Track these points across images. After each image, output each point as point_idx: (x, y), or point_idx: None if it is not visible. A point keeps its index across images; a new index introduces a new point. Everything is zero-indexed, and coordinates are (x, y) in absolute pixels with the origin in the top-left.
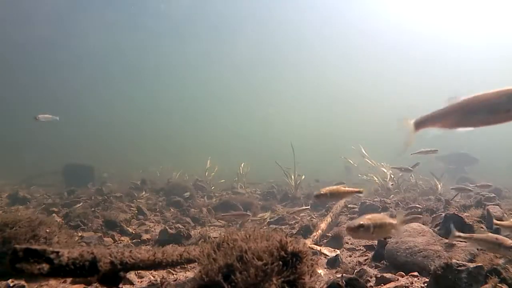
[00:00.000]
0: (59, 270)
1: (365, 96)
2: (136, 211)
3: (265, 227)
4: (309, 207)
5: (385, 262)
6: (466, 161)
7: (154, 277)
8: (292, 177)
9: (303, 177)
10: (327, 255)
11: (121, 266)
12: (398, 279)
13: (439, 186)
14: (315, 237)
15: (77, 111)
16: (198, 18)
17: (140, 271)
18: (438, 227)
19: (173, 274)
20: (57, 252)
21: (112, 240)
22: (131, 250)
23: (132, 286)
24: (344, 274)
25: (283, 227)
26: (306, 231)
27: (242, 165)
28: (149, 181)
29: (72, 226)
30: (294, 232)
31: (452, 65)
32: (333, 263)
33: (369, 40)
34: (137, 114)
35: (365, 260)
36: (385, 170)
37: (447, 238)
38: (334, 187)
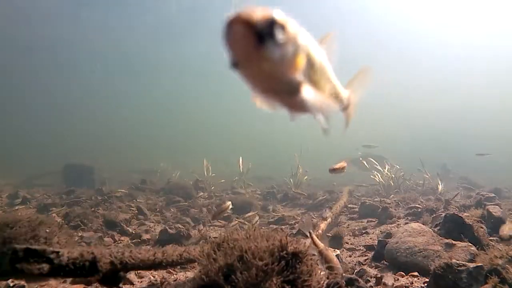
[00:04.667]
0: (59, 270)
1: (363, 96)
2: (136, 211)
3: (265, 227)
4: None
5: (385, 262)
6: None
7: (154, 277)
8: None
9: (305, 177)
10: None
11: (121, 266)
12: (398, 279)
13: (440, 186)
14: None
15: (77, 111)
16: (198, 19)
17: (140, 271)
18: (438, 227)
19: (173, 274)
20: (57, 252)
21: (112, 240)
22: (131, 250)
23: (132, 286)
24: (344, 274)
25: (283, 227)
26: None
27: (241, 160)
28: (149, 181)
29: (72, 226)
30: (294, 232)
31: (453, 65)
32: None
33: (369, 39)
34: (137, 114)
35: (365, 260)
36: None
37: (447, 238)
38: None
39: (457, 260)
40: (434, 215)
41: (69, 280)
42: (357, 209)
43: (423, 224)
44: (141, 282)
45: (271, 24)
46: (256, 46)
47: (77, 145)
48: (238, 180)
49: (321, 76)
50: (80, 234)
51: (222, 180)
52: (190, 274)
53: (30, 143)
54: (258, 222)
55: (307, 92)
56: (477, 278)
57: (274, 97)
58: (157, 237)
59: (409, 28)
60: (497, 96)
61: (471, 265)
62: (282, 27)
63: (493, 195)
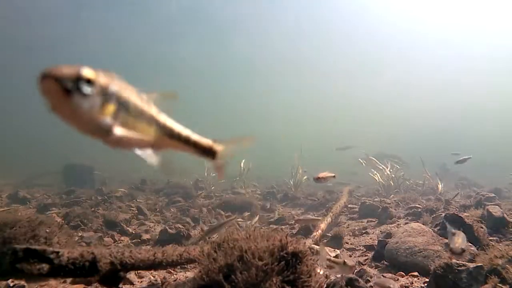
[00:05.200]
0: (59, 270)
1: (365, 97)
2: (136, 211)
3: (265, 227)
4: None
5: (385, 262)
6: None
7: (154, 277)
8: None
9: (305, 177)
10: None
11: (121, 266)
12: (398, 279)
13: (440, 186)
14: (315, 237)
15: None
16: (198, 18)
17: (140, 271)
18: (438, 227)
19: (173, 274)
20: (57, 252)
21: (112, 240)
22: (131, 250)
23: (132, 286)
24: (344, 274)
25: (283, 227)
26: (306, 231)
27: (242, 163)
28: (149, 181)
29: (72, 226)
30: (294, 232)
31: (454, 64)
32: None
33: (369, 39)
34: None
35: (365, 260)
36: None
37: (447, 238)
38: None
39: (457, 260)
40: (434, 215)
41: (69, 280)
42: (357, 209)
43: (423, 224)
44: (141, 282)
45: (78, 79)
46: (63, 97)
47: (77, 145)
48: (238, 180)
49: (138, 118)
50: (80, 234)
51: (222, 180)
52: (190, 274)
53: (30, 143)
54: (255, 222)
55: (118, 132)
56: (477, 278)
57: (92, 135)
58: (157, 237)
59: (409, 28)
60: (498, 96)
61: (471, 265)
62: (90, 82)
63: (493, 195)
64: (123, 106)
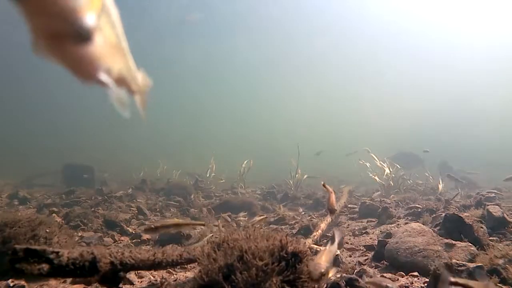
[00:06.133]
0: (59, 270)
1: (366, 97)
2: (136, 211)
3: (265, 227)
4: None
5: (385, 262)
6: (413, 161)
7: (154, 277)
8: (296, 174)
9: (305, 176)
10: None
11: (121, 266)
12: (398, 279)
13: (440, 186)
14: (315, 237)
15: (77, 111)
16: (199, 18)
17: (140, 271)
18: (438, 227)
19: (173, 274)
20: (57, 252)
21: (112, 240)
22: (131, 250)
23: (132, 286)
24: (344, 274)
25: (283, 227)
26: (306, 231)
27: (244, 163)
28: (149, 181)
29: (72, 226)
30: (294, 232)
31: (453, 65)
32: (333, 263)
33: (371, 40)
34: (137, 115)
35: (365, 260)
36: (385, 168)
37: (447, 238)
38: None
39: (457, 260)
40: (434, 215)
41: (69, 280)
42: (357, 209)
43: (423, 224)
44: (141, 282)
45: None
46: None
47: (78, 145)
48: (239, 180)
49: (115, 33)
50: (80, 234)
51: (222, 180)
52: (190, 274)
53: (30, 143)
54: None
55: (99, 41)
56: (477, 278)
57: (59, 44)
58: (157, 237)
59: (408, 27)
60: (498, 96)
61: (471, 265)
62: None
63: (493, 195)
64: (106, 8)
